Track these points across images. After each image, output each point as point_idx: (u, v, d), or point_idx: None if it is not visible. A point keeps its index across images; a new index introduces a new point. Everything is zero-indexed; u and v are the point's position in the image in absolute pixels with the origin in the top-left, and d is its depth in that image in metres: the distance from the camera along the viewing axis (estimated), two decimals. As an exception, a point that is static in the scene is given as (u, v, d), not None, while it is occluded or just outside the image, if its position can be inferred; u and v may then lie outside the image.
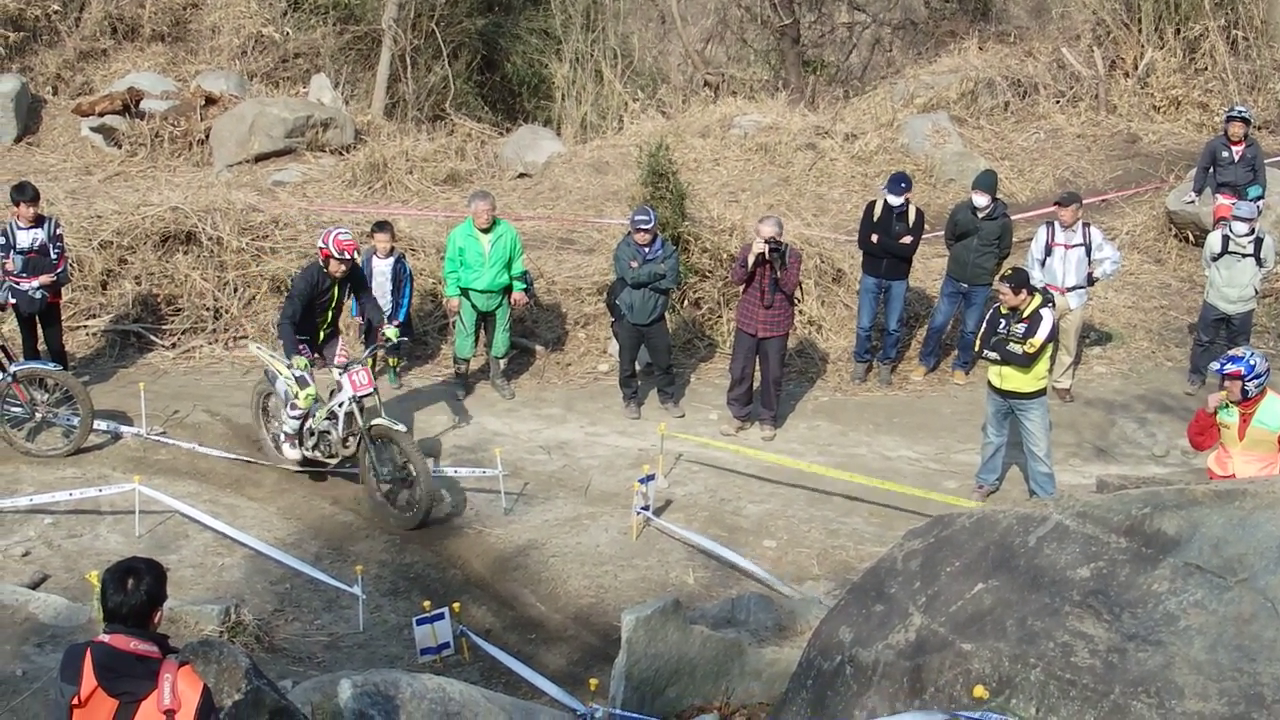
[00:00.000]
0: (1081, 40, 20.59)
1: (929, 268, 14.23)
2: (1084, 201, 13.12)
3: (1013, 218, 13.07)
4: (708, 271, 13.55)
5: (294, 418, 10.18)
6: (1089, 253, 12.04)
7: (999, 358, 10.02)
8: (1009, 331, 9.95)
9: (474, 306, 11.97)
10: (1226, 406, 8.47)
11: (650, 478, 9.96)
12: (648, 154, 13.52)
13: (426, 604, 8.11)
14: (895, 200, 12.15)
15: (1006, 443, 10.49)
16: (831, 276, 14.02)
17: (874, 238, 12.26)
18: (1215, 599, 5.04)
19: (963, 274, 12.39)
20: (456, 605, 8.18)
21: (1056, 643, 5.18)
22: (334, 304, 10.26)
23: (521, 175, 18.55)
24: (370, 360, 10.90)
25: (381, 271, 11.97)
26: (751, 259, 10.93)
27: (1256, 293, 12.26)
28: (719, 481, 10.88)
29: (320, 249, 9.95)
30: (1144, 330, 14.16)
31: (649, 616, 6.98)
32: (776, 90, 21.24)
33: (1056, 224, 12.07)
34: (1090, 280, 12.24)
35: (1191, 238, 15.54)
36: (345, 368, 10.00)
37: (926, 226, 12.71)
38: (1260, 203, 13.68)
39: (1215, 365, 8.57)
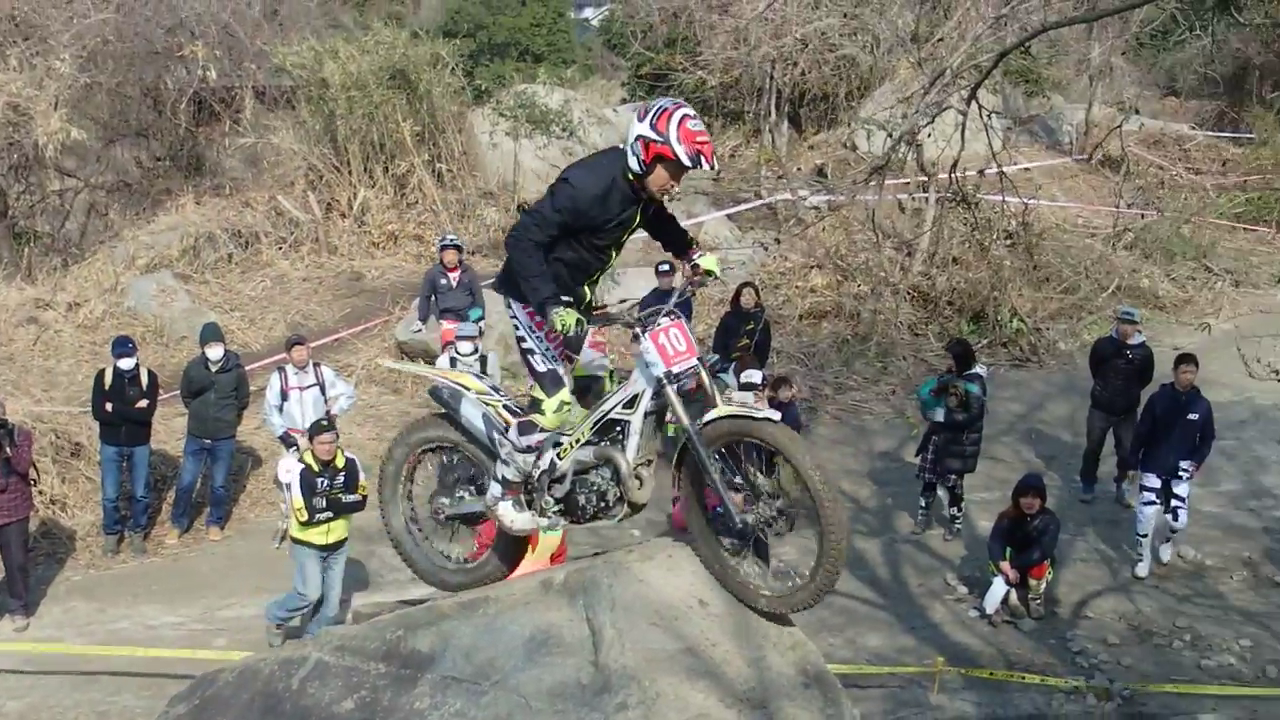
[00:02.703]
0: (296, 186, 22.11)
1: (171, 428, 14.70)
2: (314, 342, 14.31)
3: (247, 367, 13.98)
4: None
5: (528, 449, 6.16)
6: (323, 391, 13.17)
7: (332, 513, 10.90)
8: (332, 485, 10.87)
9: None
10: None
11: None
12: None
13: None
14: (126, 365, 12.61)
15: None
16: (70, 451, 14.08)
17: (108, 406, 12.62)
18: (474, 705, 5.67)
19: (204, 430, 13.05)
20: None
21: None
22: (621, 243, 6.24)
23: None
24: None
25: None
26: None
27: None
28: (-27, 686, 10.63)
29: (646, 139, 5.75)
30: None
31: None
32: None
33: (289, 368, 13.12)
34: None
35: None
36: (643, 322, 5.86)
37: (160, 388, 13.23)
38: (481, 323, 15.64)
39: None
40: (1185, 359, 12.99)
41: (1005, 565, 11.97)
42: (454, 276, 16.13)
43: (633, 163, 5.79)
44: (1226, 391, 16.25)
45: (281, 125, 22.87)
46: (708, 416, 5.70)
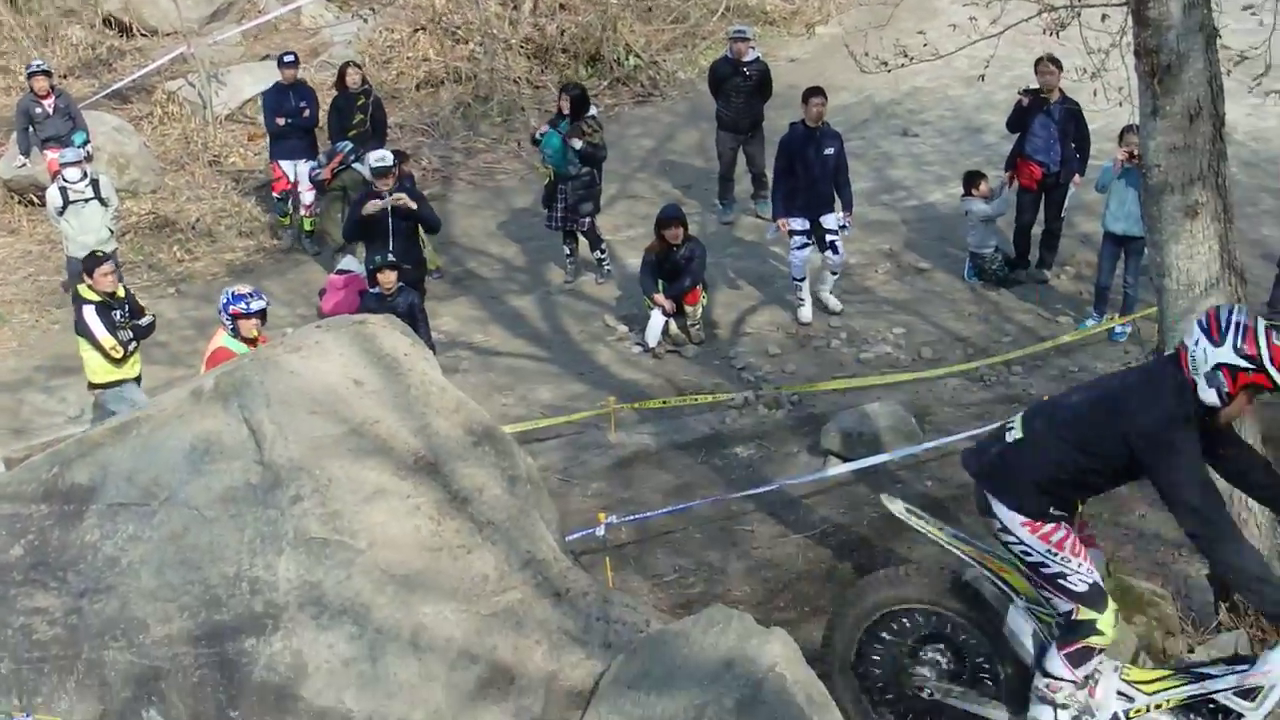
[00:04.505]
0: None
1: None
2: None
3: None
4: None
5: (1079, 682, 5.41)
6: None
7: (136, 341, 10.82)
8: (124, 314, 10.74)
9: None
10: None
11: None
12: None
13: None
14: None
15: None
16: None
17: None
18: (146, 527, 5.72)
19: None
20: None
21: (15, 628, 5.64)
22: None
23: None
24: None
25: None
26: None
27: (112, 233, 13.41)
28: None
29: (1234, 367, 5.01)
30: (21, 303, 14.74)
31: None
32: None
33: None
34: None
35: (36, 199, 16.25)
36: None
37: None
38: (88, 147, 14.79)
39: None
40: (814, 92, 12.97)
41: (659, 297, 12.49)
42: (48, 104, 15.27)
43: (1210, 397, 5.01)
44: (845, 94, 17.13)
45: None
46: None
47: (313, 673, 5.31)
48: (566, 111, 13.46)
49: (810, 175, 12.76)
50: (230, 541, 5.60)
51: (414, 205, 12.32)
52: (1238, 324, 4.95)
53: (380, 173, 12.36)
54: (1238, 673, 5.21)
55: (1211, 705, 5.26)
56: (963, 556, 5.67)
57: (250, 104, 18.26)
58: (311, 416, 5.87)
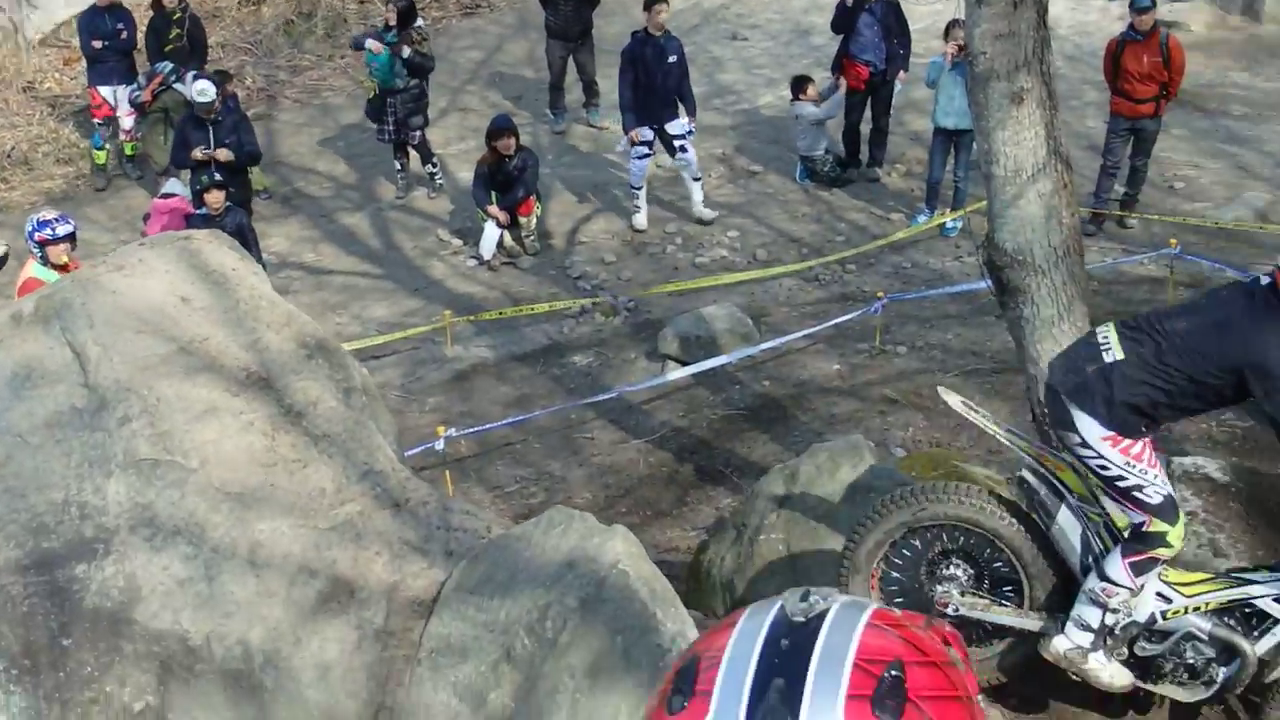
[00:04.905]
0: None
1: None
2: None
3: None
4: None
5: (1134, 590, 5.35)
6: None
7: None
8: None
9: None
10: None
11: None
12: None
13: None
14: None
15: None
16: None
17: None
18: None
19: None
20: None
21: None
22: None
23: None
24: None
25: None
26: None
27: None
28: None
29: None
30: None
31: None
32: None
33: None
34: None
35: None
36: None
37: None
38: None
39: None
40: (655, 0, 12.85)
41: (493, 209, 12.44)
42: None
43: None
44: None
45: None
46: None
47: (147, 596, 5.24)
48: (393, 23, 13.24)
49: (654, 84, 12.75)
50: (56, 467, 5.47)
51: (234, 157, 12.09)
52: None
53: (204, 108, 12.07)
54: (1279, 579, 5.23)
55: (1248, 609, 5.27)
56: (1020, 453, 5.60)
57: (66, 27, 17.53)
58: (138, 336, 5.73)
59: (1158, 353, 5.09)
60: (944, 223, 12.79)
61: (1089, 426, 5.11)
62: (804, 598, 1.38)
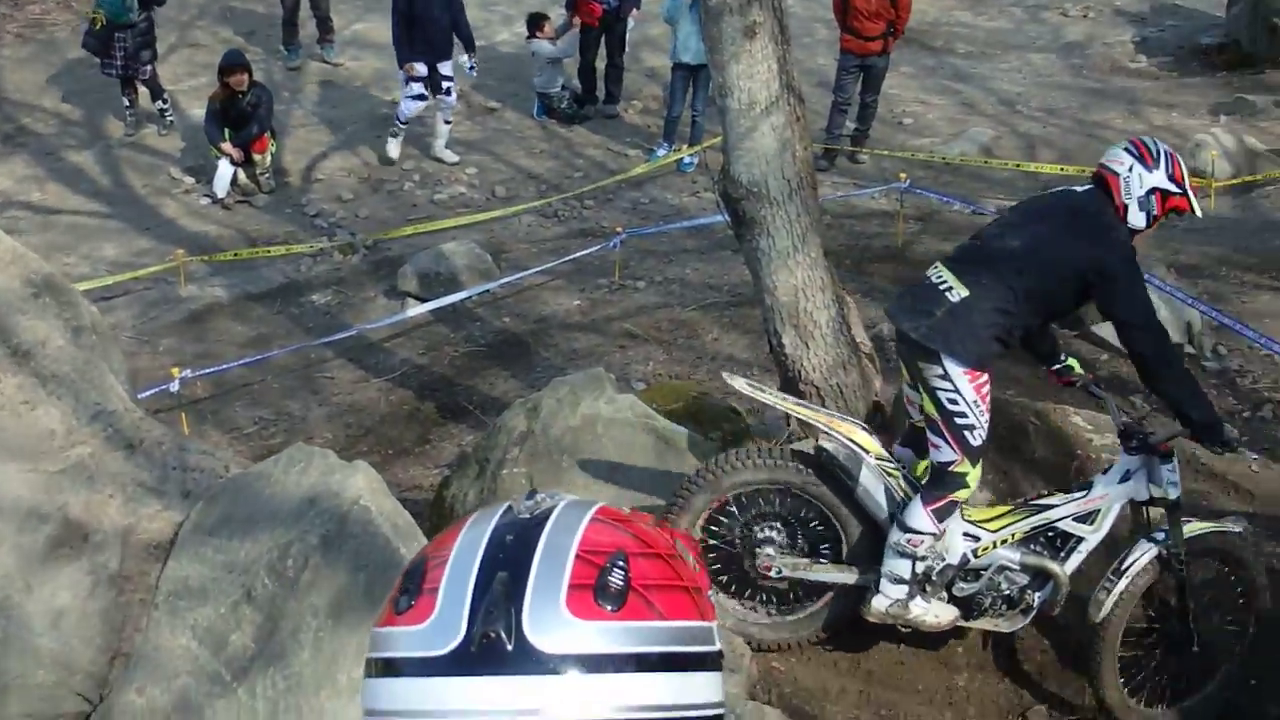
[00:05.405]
0: None
1: None
2: None
3: None
4: None
5: (938, 535, 5.49)
6: None
7: None
8: None
9: None
10: None
11: None
12: None
13: None
14: None
15: None
16: None
17: None
18: None
19: None
20: None
21: None
22: None
23: None
24: None
25: None
26: None
27: None
28: None
29: (1165, 191, 5.42)
30: None
31: None
32: None
33: None
34: None
35: None
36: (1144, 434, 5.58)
37: None
38: None
39: None
40: None
41: (226, 146, 12.12)
42: None
43: (1139, 220, 5.27)
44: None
45: None
46: (1192, 531, 5.41)
47: None
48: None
49: (424, 18, 12.42)
50: None
51: None
52: (1165, 152, 5.29)
53: None
54: (1075, 500, 5.49)
55: (1051, 533, 5.53)
56: (813, 423, 5.66)
57: None
58: None
59: (999, 277, 5.27)
60: (681, 158, 13.05)
61: (954, 367, 5.21)
62: (530, 496, 1.43)
